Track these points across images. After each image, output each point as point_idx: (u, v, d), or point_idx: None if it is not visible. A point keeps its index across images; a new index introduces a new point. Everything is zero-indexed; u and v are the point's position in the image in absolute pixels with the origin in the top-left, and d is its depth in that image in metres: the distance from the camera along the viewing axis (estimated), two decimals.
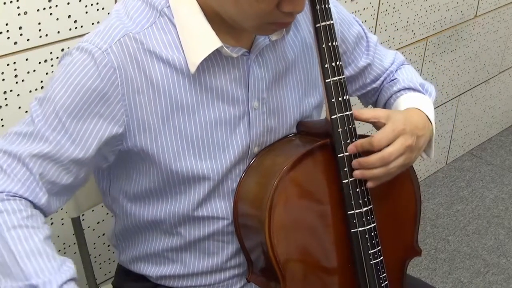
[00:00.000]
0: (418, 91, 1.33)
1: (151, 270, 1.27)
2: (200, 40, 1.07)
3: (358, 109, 1.18)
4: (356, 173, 1.14)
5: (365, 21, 2.23)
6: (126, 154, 1.13)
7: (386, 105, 1.36)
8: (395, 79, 1.36)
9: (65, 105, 1.04)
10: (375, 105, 1.40)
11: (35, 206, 1.07)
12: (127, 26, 1.07)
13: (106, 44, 1.05)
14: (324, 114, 1.19)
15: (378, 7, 2.25)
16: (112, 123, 1.07)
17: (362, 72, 1.35)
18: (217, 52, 1.09)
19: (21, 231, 1.01)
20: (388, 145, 1.13)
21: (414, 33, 2.47)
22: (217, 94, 1.12)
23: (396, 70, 1.38)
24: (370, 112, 1.18)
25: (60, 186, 1.08)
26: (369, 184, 1.15)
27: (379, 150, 1.13)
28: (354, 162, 1.14)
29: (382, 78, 1.37)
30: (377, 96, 1.39)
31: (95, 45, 1.04)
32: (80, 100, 1.04)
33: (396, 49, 2.41)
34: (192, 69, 1.08)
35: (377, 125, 1.18)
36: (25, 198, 1.05)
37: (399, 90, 1.34)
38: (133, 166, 1.15)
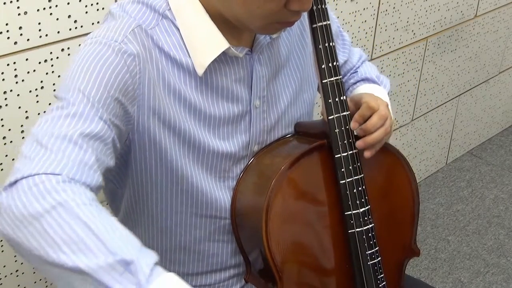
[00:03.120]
0: (374, 81, 1.37)
1: None
2: (206, 42, 1.07)
3: None
4: (359, 143, 1.15)
5: (365, 21, 2.23)
6: (128, 147, 1.12)
7: None
8: (355, 73, 1.40)
9: (97, 96, 0.99)
10: None
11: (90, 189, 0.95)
12: (136, 21, 1.06)
13: (121, 35, 1.03)
14: (316, 113, 1.20)
15: (378, 7, 2.25)
16: (128, 113, 1.05)
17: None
18: (222, 53, 1.09)
19: (91, 208, 0.88)
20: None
21: (414, 33, 2.47)
22: (222, 93, 1.13)
23: (359, 67, 1.41)
24: None
25: (106, 168, 1.01)
26: (367, 154, 1.16)
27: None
28: (359, 131, 1.15)
29: (348, 74, 1.41)
30: None
31: (110, 39, 1.03)
32: (109, 91, 1.00)
33: (396, 49, 2.42)
34: (200, 71, 1.08)
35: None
36: (83, 182, 0.93)
37: (356, 82, 1.38)
38: (133, 160, 1.15)
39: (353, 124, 1.16)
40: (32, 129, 0.97)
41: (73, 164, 0.93)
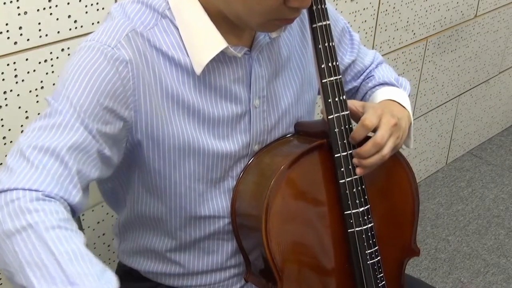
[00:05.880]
0: (393, 85, 1.35)
1: (150, 266, 1.27)
2: (205, 41, 1.08)
3: None
4: (354, 161, 1.15)
5: (365, 21, 2.23)
6: (129, 150, 1.12)
7: (362, 101, 1.38)
8: (372, 76, 1.39)
9: (84, 106, 1.01)
10: None
11: (69, 205, 0.99)
12: (132, 23, 1.06)
13: (114, 40, 1.04)
14: (316, 113, 1.20)
15: (378, 7, 2.26)
16: (122, 118, 1.06)
17: (346, 69, 1.38)
18: (220, 52, 1.09)
19: (60, 232, 0.91)
20: (375, 131, 1.14)
21: (414, 33, 2.47)
22: (220, 93, 1.13)
23: (374, 69, 1.40)
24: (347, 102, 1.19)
25: (89, 181, 1.03)
26: (358, 171, 1.15)
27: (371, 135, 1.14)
28: (354, 153, 1.15)
29: (362, 77, 1.40)
30: (355, 95, 1.42)
31: (103, 43, 1.03)
32: (98, 99, 1.01)
33: (396, 49, 2.42)
34: (198, 70, 1.08)
35: (354, 117, 1.19)
36: (60, 197, 0.96)
37: (374, 86, 1.37)
38: (134, 163, 1.15)
39: (351, 140, 1.15)
40: (20, 137, 1.00)
41: (52, 179, 0.95)
